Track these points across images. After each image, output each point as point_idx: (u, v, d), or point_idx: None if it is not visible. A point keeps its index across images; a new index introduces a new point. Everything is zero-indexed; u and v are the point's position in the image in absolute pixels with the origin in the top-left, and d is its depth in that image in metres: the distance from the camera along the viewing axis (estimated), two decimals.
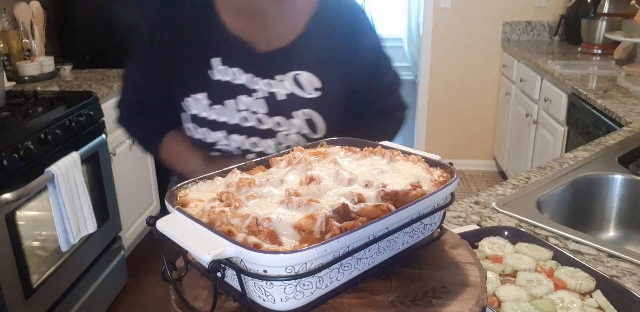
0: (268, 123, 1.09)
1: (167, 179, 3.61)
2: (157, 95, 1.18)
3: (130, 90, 1.25)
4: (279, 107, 1.09)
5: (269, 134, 1.10)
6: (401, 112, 1.26)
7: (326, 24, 1.13)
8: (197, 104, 1.10)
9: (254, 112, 1.09)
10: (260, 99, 1.09)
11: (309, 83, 1.10)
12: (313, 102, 1.10)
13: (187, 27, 1.11)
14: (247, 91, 1.09)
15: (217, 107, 1.09)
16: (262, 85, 1.09)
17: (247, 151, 1.11)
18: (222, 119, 1.10)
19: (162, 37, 1.13)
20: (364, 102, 1.20)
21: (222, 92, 1.09)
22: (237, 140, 1.11)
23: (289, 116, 1.09)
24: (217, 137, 1.11)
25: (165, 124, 1.21)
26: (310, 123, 1.10)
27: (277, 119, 1.09)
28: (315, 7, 1.13)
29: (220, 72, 1.09)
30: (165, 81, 1.14)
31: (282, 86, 1.09)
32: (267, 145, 1.11)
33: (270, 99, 1.09)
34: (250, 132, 1.10)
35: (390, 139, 1.11)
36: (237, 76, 1.09)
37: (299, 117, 1.09)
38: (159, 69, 1.14)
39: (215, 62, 1.09)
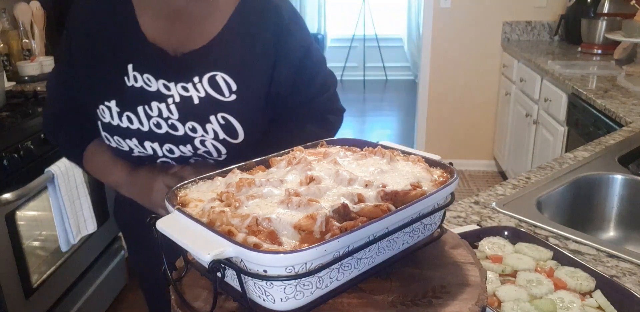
0: (182, 129, 1.05)
1: None
2: (78, 103, 1.15)
3: (54, 96, 1.21)
4: (193, 112, 1.04)
5: (184, 140, 1.05)
6: (336, 116, 1.20)
7: (246, 22, 1.08)
8: (109, 111, 1.07)
9: (167, 119, 1.05)
10: (173, 104, 1.05)
11: (225, 85, 1.05)
12: (229, 105, 1.05)
13: (108, 33, 1.09)
14: (160, 97, 1.05)
15: (128, 114, 1.06)
16: (176, 90, 1.05)
17: (165, 157, 1.08)
18: (134, 126, 1.06)
19: (86, 42, 1.10)
20: (293, 105, 1.14)
21: (133, 100, 1.06)
22: (151, 148, 1.07)
23: (204, 121, 1.04)
24: (131, 145, 1.07)
25: (87, 134, 1.16)
26: (227, 128, 1.04)
27: (191, 124, 1.04)
28: (236, 6, 1.08)
29: (133, 79, 1.06)
30: (84, 89, 1.11)
31: (197, 90, 1.05)
32: (183, 151, 1.07)
33: (184, 103, 1.05)
34: (164, 138, 1.06)
35: None
36: (149, 83, 1.05)
37: (215, 122, 1.04)
38: (79, 75, 1.11)
39: (129, 68, 1.06)
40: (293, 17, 1.11)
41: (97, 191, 2.38)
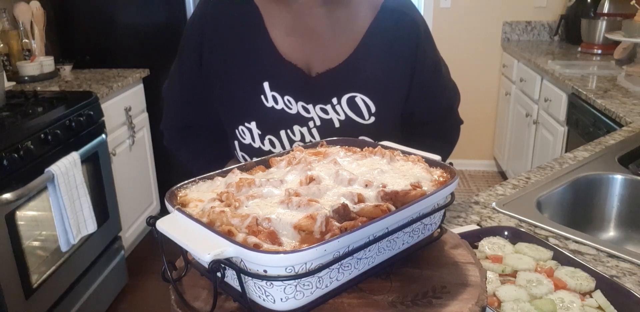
0: None
1: (167, 179, 3.61)
2: (204, 118, 1.09)
3: (174, 110, 1.15)
4: (334, 136, 1.00)
5: None
6: (455, 134, 1.20)
7: (382, 39, 1.02)
8: (250, 133, 1.02)
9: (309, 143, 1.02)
10: (314, 128, 1.01)
11: (365, 107, 1.01)
12: (368, 128, 1.01)
13: (238, 45, 1.01)
14: (301, 120, 1.01)
15: (270, 137, 1.02)
16: (315, 113, 1.01)
17: None
18: (276, 150, 1.02)
19: (212, 51, 1.02)
20: (419, 123, 1.12)
21: (275, 123, 1.01)
22: None
23: None
24: None
25: (217, 152, 1.11)
26: None
27: None
28: (371, 22, 1.02)
29: (272, 99, 1.00)
30: (214, 103, 1.05)
31: (337, 112, 1.01)
32: None
33: (325, 127, 1.01)
34: None
35: None
36: (290, 105, 1.00)
37: None
38: (207, 88, 1.05)
39: (265, 87, 1.00)
40: (426, 30, 1.06)
41: (97, 190, 2.38)
